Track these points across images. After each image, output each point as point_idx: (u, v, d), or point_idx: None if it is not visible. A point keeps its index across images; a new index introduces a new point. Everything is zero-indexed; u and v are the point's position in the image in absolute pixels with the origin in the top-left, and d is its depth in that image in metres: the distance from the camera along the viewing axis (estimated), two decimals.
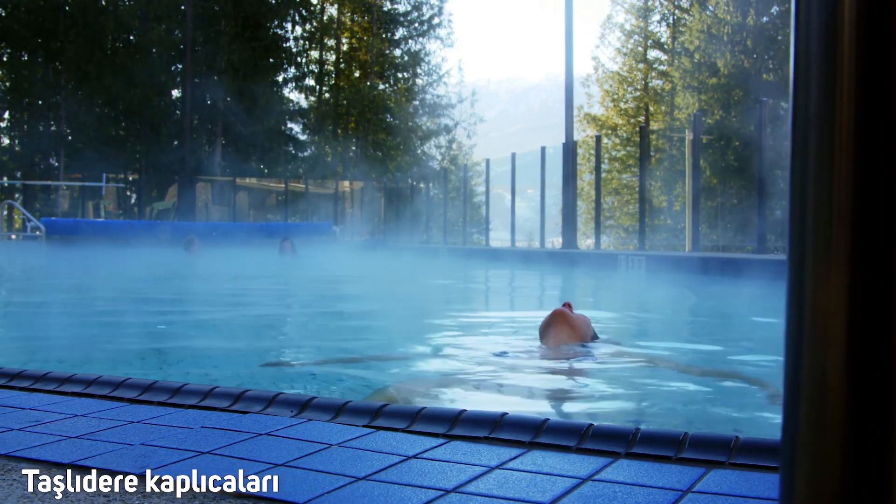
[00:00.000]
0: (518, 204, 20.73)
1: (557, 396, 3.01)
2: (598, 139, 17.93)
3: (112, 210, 29.47)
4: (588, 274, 12.10)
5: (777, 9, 31.66)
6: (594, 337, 3.90)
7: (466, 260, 16.82)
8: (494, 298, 8.75)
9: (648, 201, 21.73)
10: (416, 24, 35.64)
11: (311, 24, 34.88)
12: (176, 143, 31.70)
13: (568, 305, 3.82)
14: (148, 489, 1.30)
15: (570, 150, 16.97)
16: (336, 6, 36.02)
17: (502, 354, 3.76)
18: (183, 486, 1.31)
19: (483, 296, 9.08)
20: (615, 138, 35.05)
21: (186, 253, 15.75)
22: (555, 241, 28.60)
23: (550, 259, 14.86)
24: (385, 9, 35.62)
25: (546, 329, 3.75)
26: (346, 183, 31.08)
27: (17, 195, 30.25)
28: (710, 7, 31.96)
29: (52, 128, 31.20)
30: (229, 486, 1.30)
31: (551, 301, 8.11)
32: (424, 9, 35.60)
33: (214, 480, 1.32)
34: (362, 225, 29.69)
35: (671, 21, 34.85)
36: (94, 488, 1.30)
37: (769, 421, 2.59)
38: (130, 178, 31.84)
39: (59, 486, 1.31)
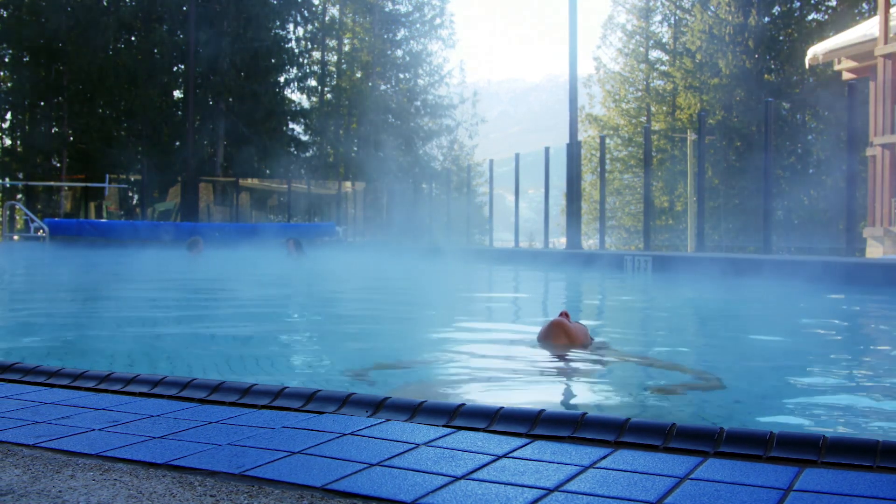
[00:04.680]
0: (519, 204, 20.69)
1: (572, 395, 3.04)
2: (603, 140, 17.94)
3: (114, 211, 29.46)
4: (595, 274, 12.11)
5: (778, 9, 31.69)
6: (592, 342, 3.98)
7: (472, 260, 16.82)
8: (501, 299, 8.75)
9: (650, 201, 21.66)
10: (418, 25, 35.66)
11: (312, 24, 34.88)
12: (178, 143, 31.69)
13: (565, 314, 3.89)
14: (252, 489, 1.31)
15: (574, 150, 16.97)
16: (338, 7, 36.05)
17: (515, 352, 3.83)
18: (288, 485, 1.32)
19: (490, 296, 9.09)
20: (617, 139, 35.10)
21: (189, 253, 15.82)
22: (555, 241, 28.62)
23: (556, 259, 14.87)
24: (387, 9, 35.64)
25: (545, 339, 3.85)
26: (348, 184, 31.11)
27: (18, 196, 30.23)
28: (711, 7, 32.00)
29: (55, 129, 31.18)
30: (335, 486, 1.31)
31: (559, 302, 8.12)
32: (426, 9, 35.64)
33: (318, 480, 1.33)
34: (364, 226, 29.71)
35: (673, 21, 34.88)
36: (198, 488, 1.31)
37: (779, 416, 2.60)
38: (132, 179, 31.81)
39: (162, 486, 1.32)
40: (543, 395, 3.07)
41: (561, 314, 3.92)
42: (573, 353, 3.72)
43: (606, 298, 8.77)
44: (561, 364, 3.60)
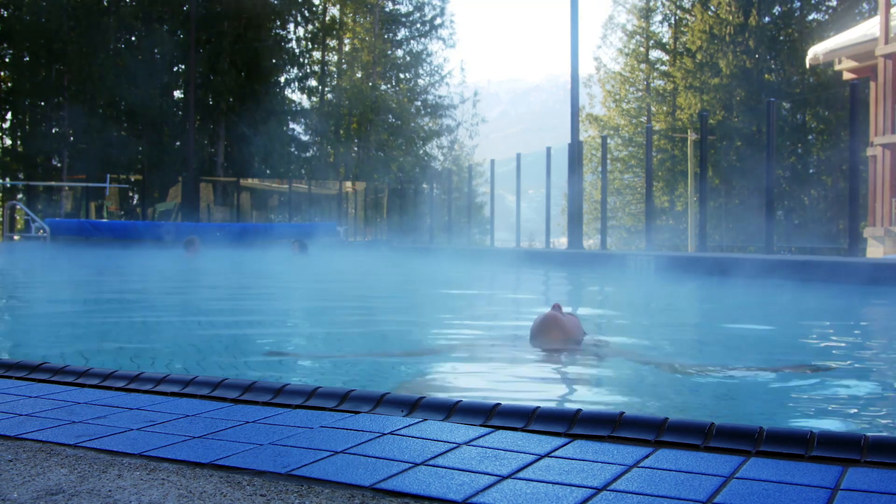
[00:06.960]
0: (520, 204, 20.69)
1: (571, 392, 3.05)
2: (604, 140, 17.94)
3: (114, 211, 29.43)
4: (598, 274, 12.11)
5: (779, 9, 31.72)
6: (584, 336, 3.94)
7: (473, 260, 16.84)
8: (504, 299, 8.76)
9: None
10: (418, 25, 35.68)
11: (313, 24, 34.88)
12: (178, 143, 31.68)
13: (557, 307, 3.84)
14: (302, 489, 1.31)
15: (575, 150, 16.97)
16: (338, 7, 36.04)
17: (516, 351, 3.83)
18: (337, 485, 1.32)
19: (493, 296, 9.09)
20: (617, 139, 35.12)
21: (186, 252, 15.81)
22: (555, 241, 28.62)
23: (558, 259, 14.87)
24: (387, 9, 35.66)
25: (538, 333, 3.79)
26: (349, 183, 31.11)
27: (19, 195, 30.20)
28: (711, 7, 32.02)
29: (55, 129, 31.16)
30: (383, 485, 1.31)
31: (556, 297, 8.12)
32: (426, 9, 35.67)
33: (366, 479, 1.33)
34: (365, 225, 29.71)
35: (673, 21, 34.90)
36: (247, 488, 1.31)
37: (779, 406, 2.61)
38: (133, 179, 31.81)
39: (211, 486, 1.32)
40: (549, 393, 3.07)
41: (553, 307, 3.85)
42: (571, 349, 3.69)
43: (607, 297, 8.78)
44: (560, 360, 3.58)
